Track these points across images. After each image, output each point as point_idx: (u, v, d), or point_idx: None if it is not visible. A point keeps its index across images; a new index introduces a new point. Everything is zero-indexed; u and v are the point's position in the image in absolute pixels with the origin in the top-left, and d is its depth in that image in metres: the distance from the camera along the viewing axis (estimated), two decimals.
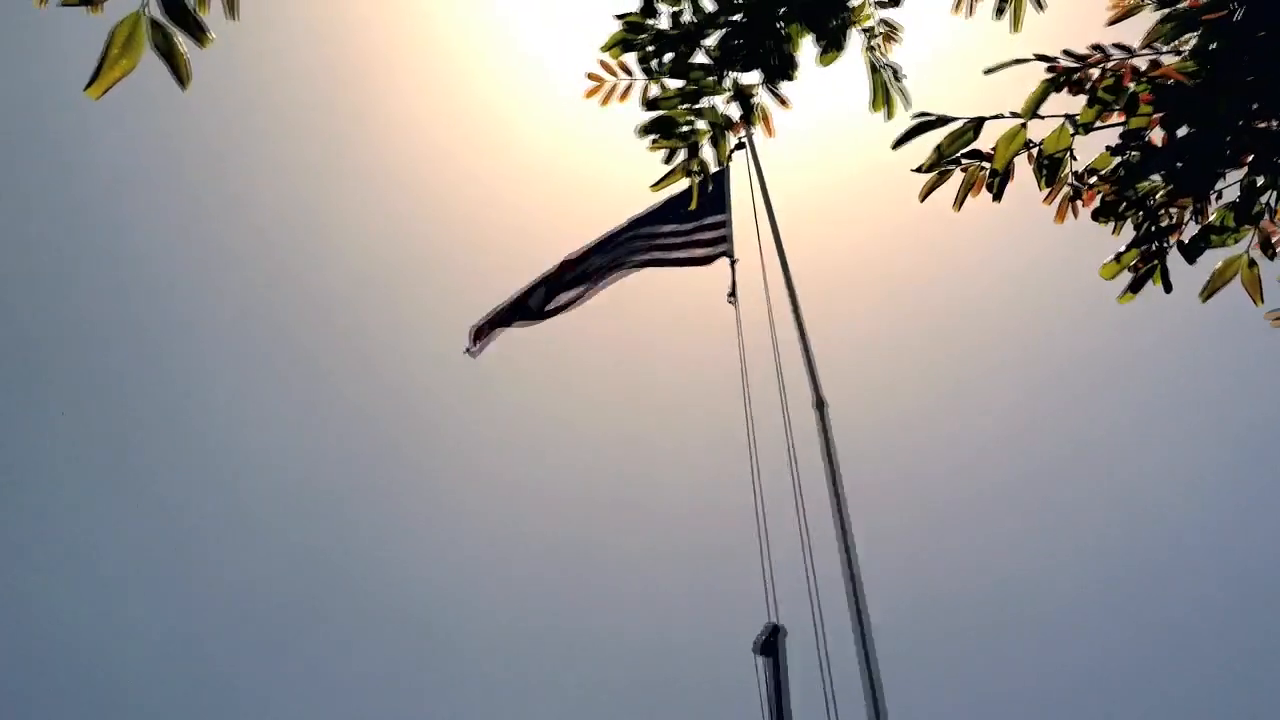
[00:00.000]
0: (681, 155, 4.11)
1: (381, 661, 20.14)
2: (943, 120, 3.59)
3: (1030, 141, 3.71)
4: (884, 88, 4.07)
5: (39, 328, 22.08)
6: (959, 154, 3.68)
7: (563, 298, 10.67)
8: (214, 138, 22.54)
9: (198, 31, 2.21)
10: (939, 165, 3.71)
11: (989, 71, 3.52)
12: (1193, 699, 17.59)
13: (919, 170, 3.72)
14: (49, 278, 22.07)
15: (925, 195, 3.79)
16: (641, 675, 19.85)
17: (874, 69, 4.09)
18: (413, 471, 22.77)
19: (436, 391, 22.89)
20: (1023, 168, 3.79)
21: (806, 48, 3.99)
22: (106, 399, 22.16)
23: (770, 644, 7.32)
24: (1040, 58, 3.52)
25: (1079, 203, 3.88)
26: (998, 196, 3.78)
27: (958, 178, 3.78)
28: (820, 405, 7.86)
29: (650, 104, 4.04)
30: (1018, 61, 3.53)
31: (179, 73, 2.22)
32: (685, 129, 4.07)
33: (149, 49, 2.17)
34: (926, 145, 3.70)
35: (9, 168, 21.33)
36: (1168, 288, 3.91)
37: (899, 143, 3.74)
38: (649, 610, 20.18)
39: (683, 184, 4.21)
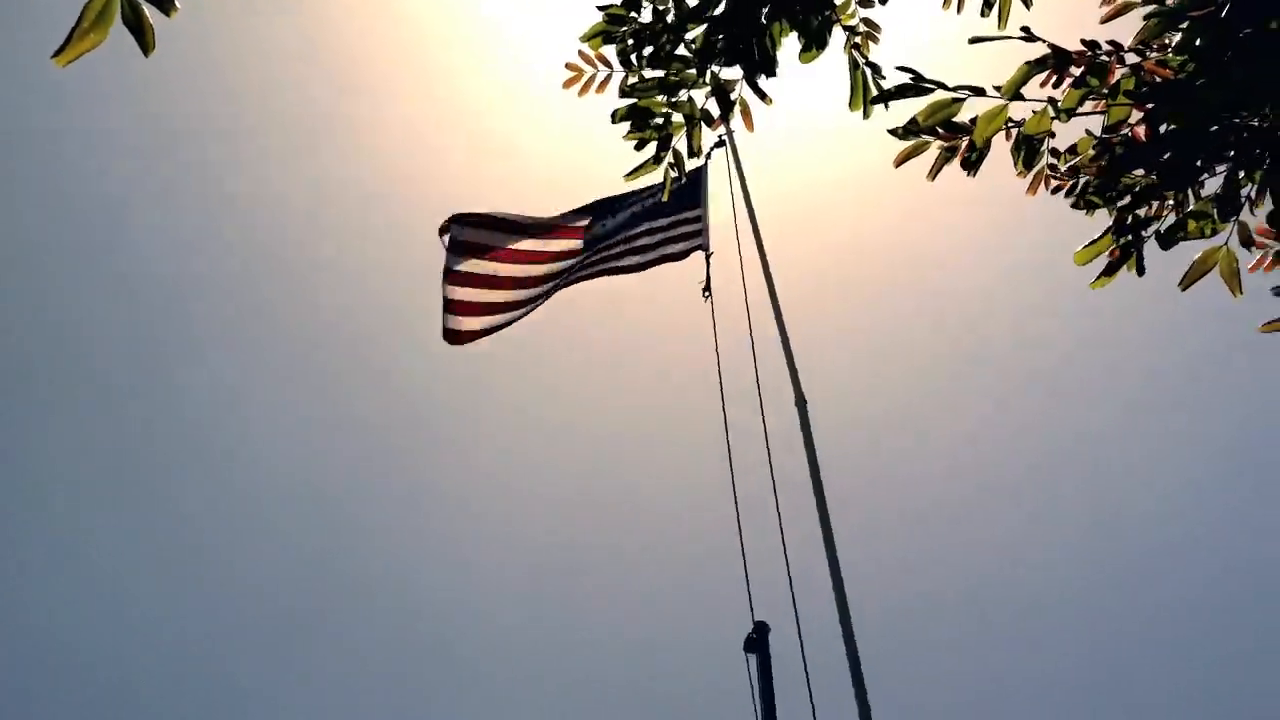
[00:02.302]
0: (654, 147, 4.10)
1: (378, 662, 20.10)
2: (924, 89, 3.57)
3: (1010, 121, 3.72)
4: (864, 87, 4.06)
5: (37, 327, 21.94)
6: (938, 124, 3.67)
7: (545, 288, 10.46)
8: (203, 132, 22.43)
9: (165, 2, 2.24)
10: (917, 132, 3.70)
11: (973, 41, 3.52)
12: (1184, 695, 17.70)
13: (894, 133, 3.71)
14: (48, 276, 21.94)
15: (900, 163, 3.79)
16: (627, 674, 19.85)
17: (855, 67, 4.07)
18: (402, 471, 22.71)
19: (424, 390, 22.84)
20: (1001, 153, 3.80)
21: (788, 45, 3.98)
22: (107, 400, 22.03)
23: (755, 640, 7.35)
24: (1026, 35, 3.51)
25: (1053, 179, 3.90)
26: (973, 171, 3.78)
27: (932, 151, 3.77)
28: (801, 403, 7.87)
29: (626, 93, 4.04)
30: (1002, 37, 3.54)
31: (143, 41, 2.26)
32: (660, 120, 4.06)
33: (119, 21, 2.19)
34: (904, 115, 3.70)
35: (6, 168, 21.19)
36: (1140, 271, 3.92)
37: (877, 101, 3.74)
38: (633, 609, 20.19)
39: (658, 175, 4.20)
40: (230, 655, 19.97)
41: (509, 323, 10.22)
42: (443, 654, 20.26)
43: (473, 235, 10.15)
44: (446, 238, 10.14)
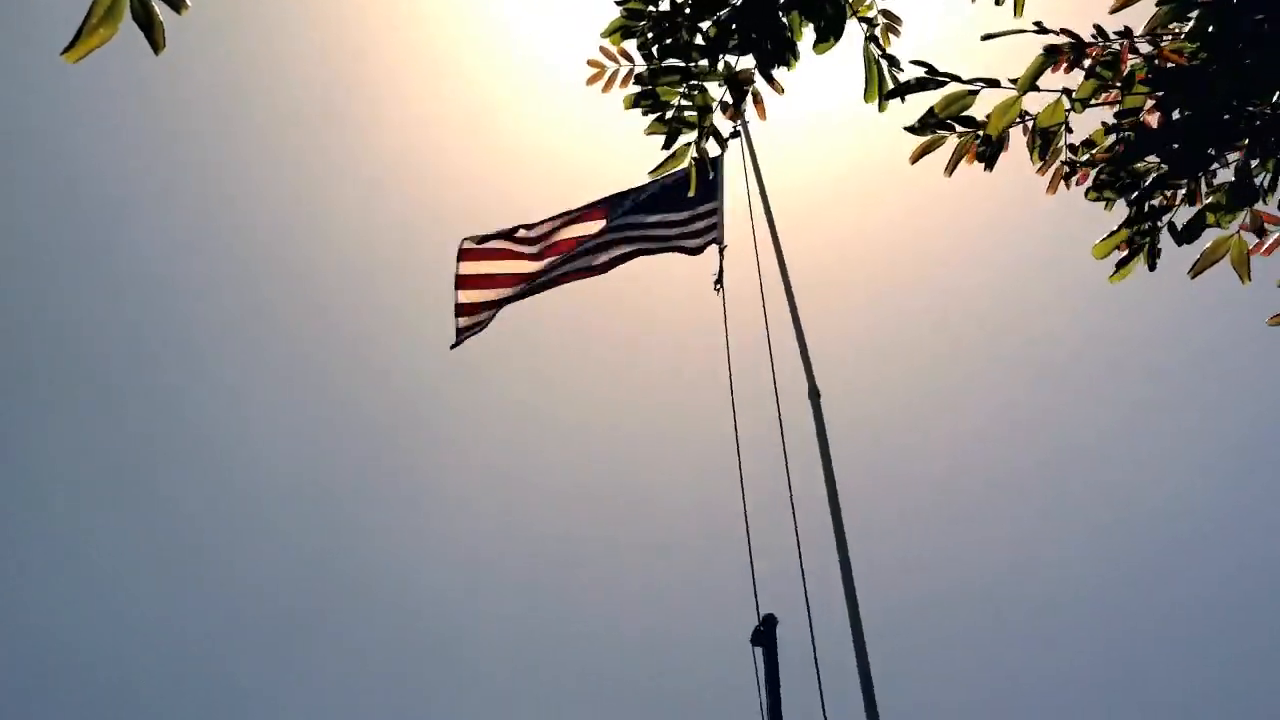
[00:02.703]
0: (680, 139, 4.10)
1: (378, 659, 20.13)
2: (939, 82, 3.56)
3: (1025, 113, 3.70)
4: (879, 79, 4.05)
5: (36, 326, 22.03)
6: (951, 119, 3.67)
7: (549, 276, 10.48)
8: (207, 129, 22.49)
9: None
10: (930, 128, 3.70)
11: (987, 38, 3.51)
12: (1190, 696, 17.63)
13: (910, 130, 3.71)
14: (46, 274, 22.02)
15: (916, 158, 3.78)
16: (636, 669, 19.87)
17: (871, 61, 4.06)
18: (404, 468, 22.75)
19: (427, 386, 22.85)
20: (1018, 148, 3.78)
21: (805, 34, 3.97)
22: (105, 398, 22.11)
23: (763, 633, 7.35)
24: (1039, 29, 3.50)
25: (1074, 179, 3.88)
26: (990, 166, 3.78)
27: (949, 145, 3.76)
28: (815, 395, 7.86)
29: (643, 80, 4.04)
30: (1016, 31, 3.52)
31: (153, 39, 2.25)
32: (676, 112, 4.06)
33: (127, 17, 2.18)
34: (919, 110, 3.69)
35: (8, 167, 21.28)
36: (1151, 266, 3.91)
37: (891, 95, 3.73)
38: (644, 603, 20.20)
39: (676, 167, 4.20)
40: (230, 655, 20.04)
41: (504, 304, 10.31)
42: (448, 651, 20.31)
43: (484, 244, 10.26)
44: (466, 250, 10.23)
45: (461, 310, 10.15)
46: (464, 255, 10.23)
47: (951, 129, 3.71)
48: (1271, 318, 3.90)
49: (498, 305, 10.25)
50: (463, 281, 10.20)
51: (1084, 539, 19.51)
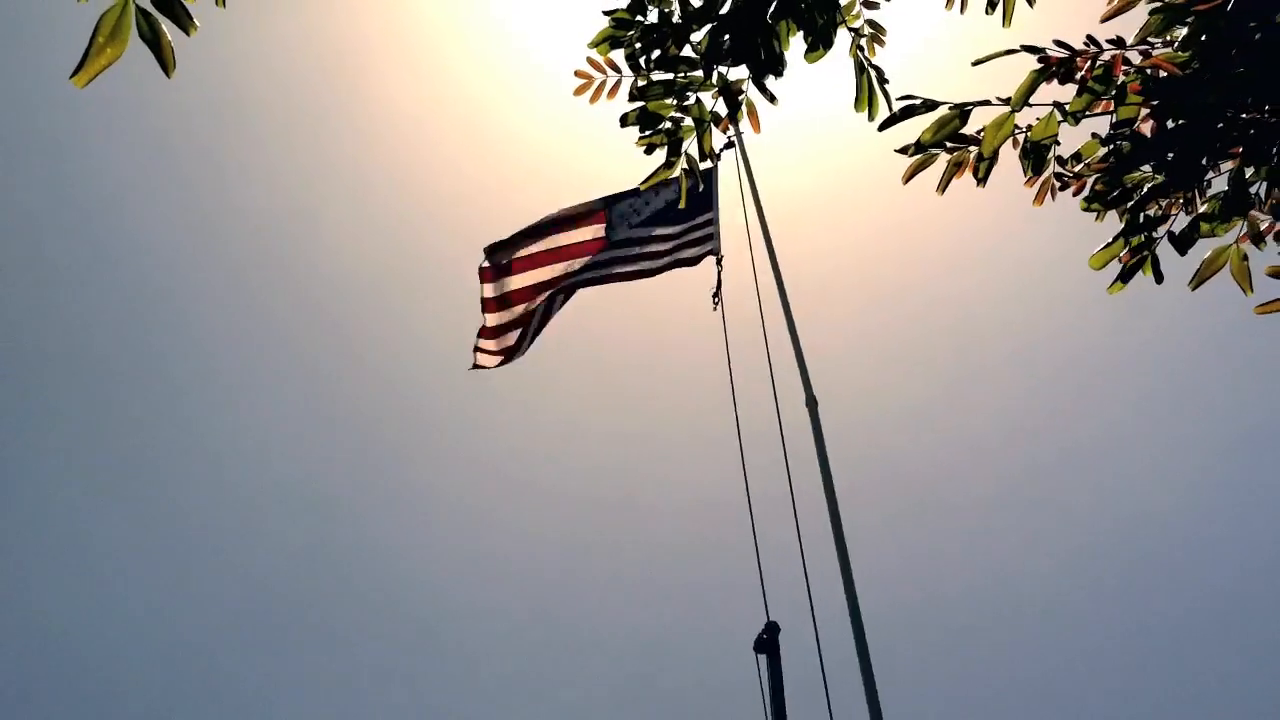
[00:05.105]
0: (665, 151, 4.10)
1: (380, 660, 20.11)
2: (929, 105, 3.58)
3: (1018, 128, 3.71)
4: (869, 88, 4.06)
5: (35, 326, 22.03)
6: (945, 139, 3.68)
7: (561, 287, 10.48)
8: (203, 133, 22.50)
9: (184, 18, 2.23)
10: (924, 149, 3.71)
11: (977, 63, 3.52)
12: (1188, 698, 17.61)
13: (903, 152, 3.71)
14: (46, 276, 22.02)
15: (908, 178, 3.79)
16: (637, 675, 19.85)
17: (860, 69, 4.08)
18: (406, 471, 22.74)
19: (428, 389, 22.86)
20: (1008, 156, 3.79)
21: (794, 44, 3.99)
22: (103, 398, 22.10)
23: (766, 641, 7.34)
24: (1028, 49, 3.52)
25: (1067, 190, 3.88)
26: (982, 182, 3.78)
27: (941, 162, 3.77)
28: (812, 403, 7.86)
29: (635, 96, 4.04)
30: (1007, 52, 3.52)
31: (164, 60, 2.24)
32: (669, 124, 4.06)
33: (135, 37, 2.17)
34: (914, 129, 3.70)
35: (12, 169, 21.29)
36: (1158, 278, 3.89)
37: (884, 125, 3.74)
38: (644, 610, 20.18)
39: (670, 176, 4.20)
40: (230, 653, 20.03)
41: (531, 338, 10.37)
42: (457, 653, 20.29)
43: (501, 256, 10.29)
44: (484, 270, 10.27)
45: (484, 333, 10.25)
46: (483, 277, 10.26)
47: (943, 146, 3.71)
48: (1259, 306, 3.86)
49: (520, 340, 10.30)
50: (487, 305, 10.26)
51: (1080, 542, 19.53)
